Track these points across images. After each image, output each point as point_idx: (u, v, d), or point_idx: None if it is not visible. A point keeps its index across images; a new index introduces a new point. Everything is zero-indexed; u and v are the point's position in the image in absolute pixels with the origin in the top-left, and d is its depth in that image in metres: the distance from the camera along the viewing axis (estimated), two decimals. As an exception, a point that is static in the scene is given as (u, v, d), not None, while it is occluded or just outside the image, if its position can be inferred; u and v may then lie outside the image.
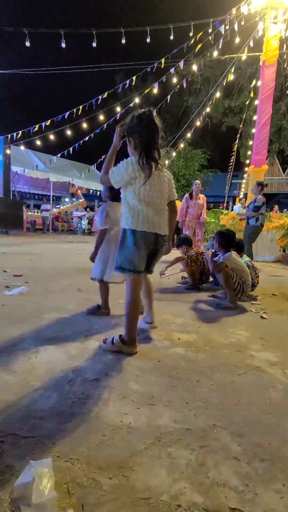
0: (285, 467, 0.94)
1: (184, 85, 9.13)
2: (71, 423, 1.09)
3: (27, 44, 7.01)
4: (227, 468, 0.92)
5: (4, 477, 0.85)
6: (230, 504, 0.81)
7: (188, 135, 10.87)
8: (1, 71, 9.31)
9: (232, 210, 9.55)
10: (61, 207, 17.15)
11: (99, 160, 11.91)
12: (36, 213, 14.77)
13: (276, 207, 12.33)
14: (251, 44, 8.47)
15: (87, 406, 1.19)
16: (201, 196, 5.66)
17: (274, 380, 1.48)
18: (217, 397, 1.29)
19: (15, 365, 1.50)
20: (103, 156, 11.48)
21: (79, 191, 17.68)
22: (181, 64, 8.09)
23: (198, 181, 5.72)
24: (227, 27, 7.79)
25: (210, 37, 7.96)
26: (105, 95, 8.75)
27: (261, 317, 2.52)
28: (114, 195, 2.29)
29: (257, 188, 5.32)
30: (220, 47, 8.17)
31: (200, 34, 7.83)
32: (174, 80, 8.70)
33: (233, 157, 12.76)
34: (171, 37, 7.62)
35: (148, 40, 7.58)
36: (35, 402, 1.21)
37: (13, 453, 0.94)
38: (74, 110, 8.88)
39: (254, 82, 9.78)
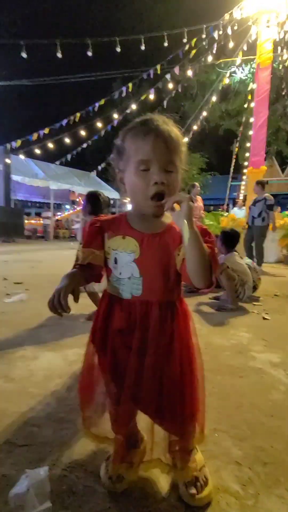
0: (288, 470, 0.91)
1: (180, 90, 9.23)
2: (68, 430, 1.07)
3: (24, 55, 7.14)
4: (228, 473, 0.90)
5: (-2, 487, 0.83)
6: (231, 510, 0.78)
7: (186, 139, 10.95)
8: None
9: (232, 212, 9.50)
10: (62, 215, 17.25)
11: (99, 166, 12.03)
12: (39, 222, 14.86)
13: (279, 208, 12.29)
14: (245, 48, 8.57)
15: (85, 413, 1.17)
16: (198, 197, 5.75)
17: (276, 381, 1.45)
18: (218, 400, 1.27)
19: (13, 372, 1.49)
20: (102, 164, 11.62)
21: (80, 198, 17.80)
22: (177, 70, 8.19)
23: (197, 184, 5.78)
24: (221, 32, 7.89)
25: (204, 43, 8.06)
26: (102, 102, 8.85)
27: (263, 318, 2.49)
28: (94, 209, 2.39)
29: (257, 187, 5.22)
30: (214, 52, 8.27)
31: (194, 40, 7.93)
32: (170, 85, 8.80)
33: (233, 160, 12.79)
34: (165, 44, 7.72)
35: (142, 47, 7.68)
36: (33, 409, 1.19)
37: (8, 462, 0.92)
38: (72, 117, 8.99)
39: (251, 85, 9.87)
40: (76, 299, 0.73)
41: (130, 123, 0.77)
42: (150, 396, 0.76)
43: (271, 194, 5.29)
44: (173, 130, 0.72)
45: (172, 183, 0.71)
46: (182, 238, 0.67)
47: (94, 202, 2.45)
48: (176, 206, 0.68)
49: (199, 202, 5.71)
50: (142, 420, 0.85)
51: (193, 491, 0.79)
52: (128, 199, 0.78)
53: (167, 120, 0.74)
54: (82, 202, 2.62)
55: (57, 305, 0.69)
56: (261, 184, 5.21)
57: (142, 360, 0.75)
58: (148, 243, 0.75)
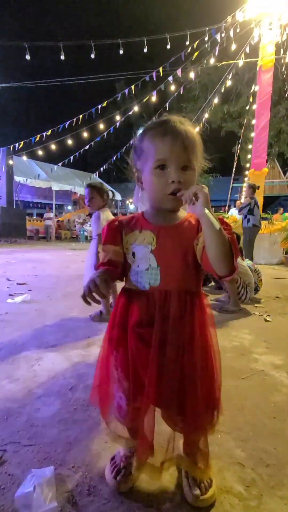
0: (291, 472, 0.92)
1: (181, 91, 9.26)
2: (73, 430, 1.08)
3: (27, 57, 7.20)
4: (232, 474, 0.91)
5: (5, 486, 0.84)
6: (235, 511, 0.79)
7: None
8: (3, 84, 9.54)
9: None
10: (64, 215, 17.33)
11: (101, 168, 12.08)
12: (40, 222, 14.93)
13: (281, 209, 12.32)
14: (248, 50, 8.60)
15: (89, 413, 1.18)
16: None
17: (279, 383, 1.46)
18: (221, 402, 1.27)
19: (17, 372, 1.50)
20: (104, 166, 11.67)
21: (81, 199, 17.88)
22: (179, 72, 8.23)
23: (206, 187, 5.80)
24: (223, 35, 7.93)
25: (206, 45, 8.10)
26: (105, 104, 8.90)
27: (265, 319, 2.50)
28: (104, 203, 2.38)
29: (248, 190, 5.40)
30: (216, 54, 8.31)
31: (197, 42, 7.97)
32: (172, 87, 8.84)
33: (235, 161, 12.82)
34: (168, 46, 7.77)
35: (145, 50, 7.74)
36: (37, 409, 1.20)
37: (14, 462, 0.93)
38: (74, 119, 9.04)
39: (253, 87, 9.89)
40: (108, 289, 0.73)
41: (148, 124, 0.80)
42: (171, 392, 0.76)
43: (273, 196, 5.41)
44: (190, 129, 0.75)
45: (188, 180, 0.73)
46: (202, 227, 0.69)
47: (104, 194, 2.36)
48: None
49: None
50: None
51: (197, 492, 0.80)
52: (132, 200, 0.81)
53: (183, 120, 0.77)
54: (86, 196, 2.38)
55: (96, 290, 0.70)
56: (252, 188, 5.35)
57: (162, 355, 0.76)
58: (164, 234, 0.78)
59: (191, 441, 0.83)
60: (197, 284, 0.81)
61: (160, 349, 0.76)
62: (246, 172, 11.09)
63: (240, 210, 5.28)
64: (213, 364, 0.80)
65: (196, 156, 0.75)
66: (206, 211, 0.66)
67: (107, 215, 2.33)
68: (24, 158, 11.65)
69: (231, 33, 7.94)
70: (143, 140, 0.77)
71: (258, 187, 5.68)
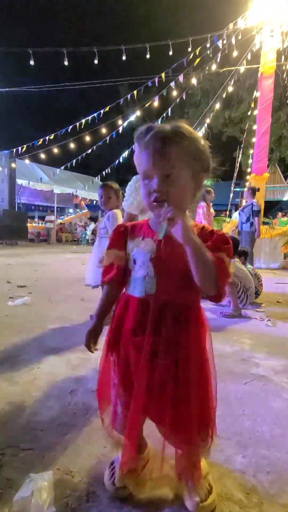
0: (292, 480, 0.91)
1: (184, 97, 9.35)
2: (72, 434, 1.08)
3: (31, 62, 7.31)
4: (232, 480, 0.90)
5: (3, 490, 0.84)
6: (235, 519, 0.78)
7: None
8: (7, 89, 9.65)
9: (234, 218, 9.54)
10: (65, 218, 17.38)
11: (103, 171, 12.16)
12: (40, 224, 14.97)
13: (280, 214, 12.34)
14: (249, 56, 8.69)
15: (89, 417, 1.18)
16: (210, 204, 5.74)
17: (280, 389, 1.44)
18: (221, 408, 1.25)
19: (17, 376, 1.49)
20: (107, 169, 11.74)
21: (82, 202, 17.95)
22: (181, 78, 8.31)
23: (212, 190, 5.78)
24: (225, 42, 8.01)
25: (208, 51, 8.19)
26: (107, 109, 8.99)
27: (266, 324, 2.49)
28: (120, 203, 2.37)
29: (248, 192, 5.39)
30: (218, 60, 8.39)
31: (199, 48, 8.06)
32: (174, 93, 8.93)
33: (237, 166, 12.88)
34: (170, 53, 7.86)
35: (148, 56, 7.83)
36: (36, 413, 1.20)
37: (12, 466, 0.92)
38: (77, 124, 9.12)
39: (254, 93, 9.97)
40: (95, 343, 0.88)
41: (135, 133, 0.78)
42: (161, 405, 0.76)
43: (274, 201, 5.39)
44: (172, 133, 0.70)
45: (173, 187, 0.71)
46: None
47: (120, 195, 2.32)
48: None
49: (212, 209, 5.69)
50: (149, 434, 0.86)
51: (197, 499, 0.79)
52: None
53: (171, 123, 0.73)
54: (101, 196, 2.32)
55: (86, 344, 0.87)
56: (252, 190, 5.34)
57: (153, 365, 0.75)
58: (165, 244, 0.75)
59: (182, 457, 0.83)
60: (195, 298, 0.80)
61: (151, 359, 0.75)
62: (247, 177, 11.11)
63: (256, 214, 5.21)
64: (208, 383, 0.79)
65: (184, 158, 0.71)
66: (184, 237, 0.66)
67: (121, 216, 2.31)
68: (27, 161, 11.73)
69: (233, 40, 8.02)
70: (135, 151, 0.79)
71: (258, 190, 5.67)
